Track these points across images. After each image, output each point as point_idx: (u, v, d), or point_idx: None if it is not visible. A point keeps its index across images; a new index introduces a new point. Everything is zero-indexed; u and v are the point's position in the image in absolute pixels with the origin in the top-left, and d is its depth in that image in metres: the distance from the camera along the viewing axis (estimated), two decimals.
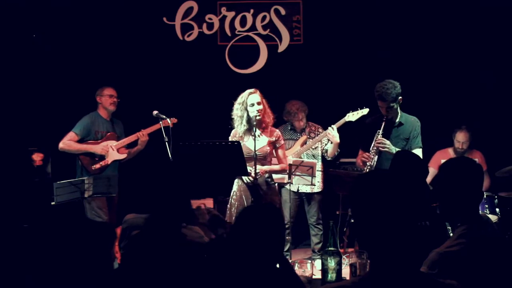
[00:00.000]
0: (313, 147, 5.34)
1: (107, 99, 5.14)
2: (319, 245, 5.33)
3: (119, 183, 5.12)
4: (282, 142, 4.50)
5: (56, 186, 4.43)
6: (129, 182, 5.20)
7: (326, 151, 5.31)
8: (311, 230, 5.40)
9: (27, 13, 6.02)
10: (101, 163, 5.05)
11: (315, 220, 5.35)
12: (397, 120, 4.35)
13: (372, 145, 4.29)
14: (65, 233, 1.93)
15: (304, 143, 5.35)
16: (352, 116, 5.19)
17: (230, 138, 4.43)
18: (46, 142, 5.89)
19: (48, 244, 1.91)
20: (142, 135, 5.16)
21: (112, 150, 5.10)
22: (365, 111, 5.16)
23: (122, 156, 5.19)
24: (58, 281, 1.89)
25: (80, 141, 5.04)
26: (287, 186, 5.22)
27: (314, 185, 5.07)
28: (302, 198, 5.39)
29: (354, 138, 5.38)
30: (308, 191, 5.32)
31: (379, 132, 4.27)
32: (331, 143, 5.18)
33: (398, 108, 4.34)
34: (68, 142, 4.99)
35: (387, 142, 4.22)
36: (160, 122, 4.92)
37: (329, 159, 5.36)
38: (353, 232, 4.74)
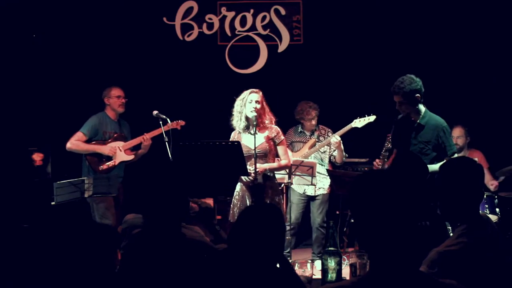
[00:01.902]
0: (321, 150, 5.32)
1: (115, 101, 5.11)
2: (319, 249, 5.31)
3: (124, 184, 5.09)
4: (282, 137, 4.39)
5: (56, 186, 4.43)
6: (130, 182, 5.21)
7: (334, 157, 5.31)
8: (313, 233, 5.37)
9: (27, 13, 6.02)
10: (108, 164, 5.01)
11: (318, 223, 5.30)
12: (418, 121, 4.09)
13: (383, 150, 4.22)
14: (70, 234, 1.93)
15: (313, 145, 5.33)
16: (359, 123, 5.17)
17: (231, 139, 4.43)
18: (46, 142, 5.89)
19: (51, 245, 1.91)
20: (145, 139, 5.12)
21: (120, 151, 5.06)
22: (372, 118, 5.13)
23: (130, 157, 5.14)
24: (59, 281, 1.89)
25: (88, 141, 5.00)
26: (293, 187, 5.21)
27: (314, 185, 5.06)
28: (308, 201, 5.36)
29: (355, 139, 5.41)
30: (313, 194, 5.31)
31: (389, 136, 4.18)
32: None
33: (421, 107, 4.08)
34: (76, 142, 4.95)
35: None
36: (162, 126, 4.89)
37: (338, 164, 5.36)
38: (353, 232, 4.73)
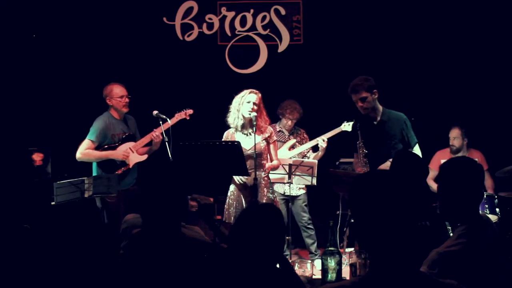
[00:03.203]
0: (297, 152, 5.37)
1: (118, 102, 4.87)
2: (315, 245, 5.32)
3: (138, 184, 5.04)
4: (275, 138, 4.53)
5: (56, 186, 4.41)
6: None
7: (308, 157, 5.32)
8: (303, 232, 5.38)
9: (27, 13, 6.03)
10: (123, 168, 4.88)
11: (306, 221, 5.34)
12: (379, 118, 4.27)
13: (360, 158, 4.33)
14: (70, 235, 1.93)
15: (292, 147, 5.35)
16: (348, 126, 5.21)
17: (223, 139, 4.44)
18: (46, 142, 5.89)
19: (51, 245, 1.92)
20: (156, 136, 4.91)
21: (132, 153, 4.88)
22: None
23: (143, 158, 4.94)
24: (60, 281, 1.89)
25: (97, 147, 4.81)
26: (274, 187, 5.18)
27: (315, 184, 5.06)
28: (287, 200, 5.34)
29: (354, 140, 5.40)
30: (292, 194, 5.29)
31: (358, 143, 4.33)
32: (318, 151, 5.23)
33: (378, 105, 4.27)
34: (86, 151, 4.75)
35: None
36: (162, 125, 4.85)
37: None
38: (353, 232, 4.74)
